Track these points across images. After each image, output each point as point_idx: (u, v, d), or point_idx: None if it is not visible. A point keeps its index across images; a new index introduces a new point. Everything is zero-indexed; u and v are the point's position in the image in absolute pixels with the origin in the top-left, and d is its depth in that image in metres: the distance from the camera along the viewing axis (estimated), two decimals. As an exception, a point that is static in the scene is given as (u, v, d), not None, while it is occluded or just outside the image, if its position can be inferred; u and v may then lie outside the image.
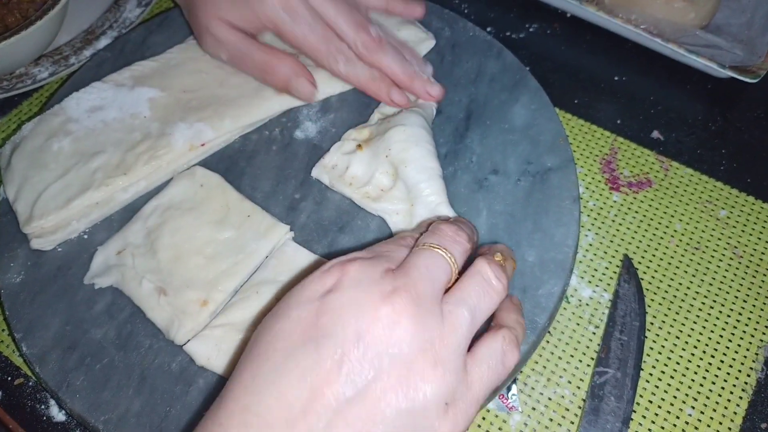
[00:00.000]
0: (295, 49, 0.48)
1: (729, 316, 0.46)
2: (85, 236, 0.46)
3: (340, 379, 0.25)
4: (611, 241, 0.49)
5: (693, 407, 0.43)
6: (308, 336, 0.26)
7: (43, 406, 0.44)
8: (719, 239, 0.49)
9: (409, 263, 0.29)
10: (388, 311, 0.26)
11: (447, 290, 0.30)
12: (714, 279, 0.48)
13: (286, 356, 0.26)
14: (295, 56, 0.48)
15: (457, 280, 0.31)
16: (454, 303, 0.28)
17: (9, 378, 0.45)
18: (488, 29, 0.62)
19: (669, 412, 0.42)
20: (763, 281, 0.47)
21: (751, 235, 0.50)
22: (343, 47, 0.46)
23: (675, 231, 0.50)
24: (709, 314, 0.46)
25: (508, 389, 0.43)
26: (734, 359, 0.44)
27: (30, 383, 0.45)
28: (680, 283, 0.47)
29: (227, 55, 0.49)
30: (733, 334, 0.45)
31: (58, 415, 0.43)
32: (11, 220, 0.46)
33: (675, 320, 0.46)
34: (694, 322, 0.46)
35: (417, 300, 0.27)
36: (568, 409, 0.42)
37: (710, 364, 0.44)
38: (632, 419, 0.42)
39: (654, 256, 0.49)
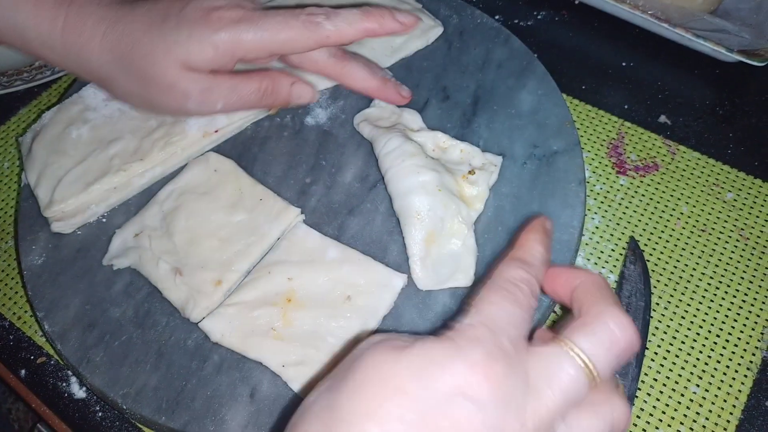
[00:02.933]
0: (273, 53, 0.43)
1: (735, 296, 0.46)
2: (104, 220, 0.47)
3: None
4: (618, 224, 0.50)
5: (698, 385, 0.43)
6: None
7: (64, 384, 0.45)
8: (726, 221, 0.50)
9: (542, 373, 0.25)
10: None
11: None
12: (720, 260, 0.48)
13: None
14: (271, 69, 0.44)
15: None
16: None
17: (32, 357, 0.47)
18: (497, 17, 0.63)
19: (674, 390, 0.43)
20: (769, 263, 0.48)
21: (757, 217, 0.50)
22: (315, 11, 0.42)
23: (681, 213, 0.50)
24: (715, 295, 0.47)
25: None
26: (739, 338, 0.45)
27: (52, 362, 0.47)
28: (686, 265, 0.48)
29: (198, 100, 0.41)
30: (738, 314, 0.46)
31: (79, 392, 0.45)
32: (32, 204, 0.48)
33: (681, 301, 0.46)
34: (700, 303, 0.46)
35: (542, 426, 0.25)
36: (573, 387, 0.43)
37: (715, 343, 0.45)
38: (637, 397, 0.43)
39: (660, 238, 0.49)
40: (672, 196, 0.51)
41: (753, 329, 0.45)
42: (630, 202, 0.51)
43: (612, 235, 0.49)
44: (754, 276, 0.47)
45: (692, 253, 0.48)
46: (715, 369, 0.44)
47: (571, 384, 0.25)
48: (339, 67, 0.44)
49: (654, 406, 0.42)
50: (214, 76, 0.40)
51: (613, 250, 0.49)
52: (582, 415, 0.26)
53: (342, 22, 0.40)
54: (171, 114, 0.45)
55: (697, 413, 0.42)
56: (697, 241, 0.49)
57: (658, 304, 0.46)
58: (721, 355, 0.44)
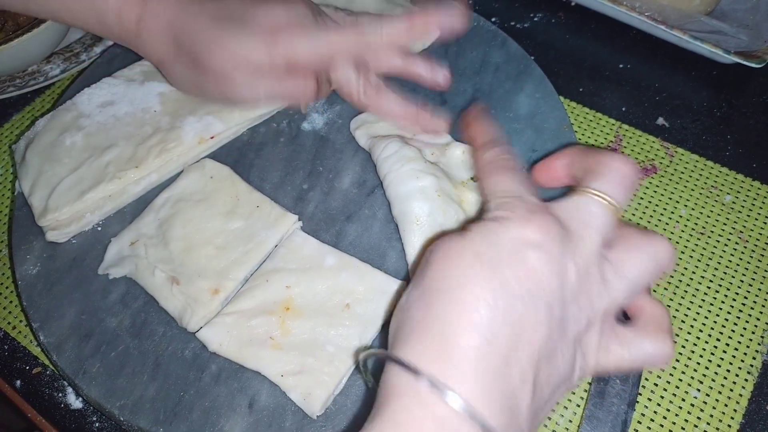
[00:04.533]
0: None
1: (734, 299, 0.46)
2: (99, 228, 0.47)
3: (543, 338, 0.27)
4: (616, 228, 0.50)
5: (698, 390, 0.43)
6: (522, 288, 0.27)
7: (60, 394, 0.45)
8: (724, 224, 0.50)
9: (576, 218, 0.30)
10: (576, 284, 0.28)
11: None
12: (720, 263, 0.48)
13: (500, 299, 0.27)
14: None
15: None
16: (619, 277, 0.29)
17: (27, 367, 0.46)
18: (493, 19, 0.62)
19: (674, 395, 0.43)
20: (768, 265, 0.48)
21: (756, 219, 0.50)
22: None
23: (680, 216, 0.50)
24: (715, 298, 0.46)
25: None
26: (740, 342, 0.45)
27: (47, 372, 0.46)
28: (686, 268, 0.48)
29: (244, 87, 0.45)
30: (738, 318, 0.46)
31: (76, 403, 0.45)
32: (27, 213, 0.47)
33: (681, 304, 0.46)
34: (700, 306, 0.46)
35: (591, 261, 0.29)
36: (573, 392, 0.43)
37: (716, 347, 0.45)
38: (638, 402, 0.42)
39: (659, 241, 0.49)
40: (670, 198, 0.51)
41: (753, 332, 0.45)
42: (629, 205, 0.51)
43: (611, 238, 0.49)
44: (753, 279, 0.47)
45: (691, 256, 0.48)
46: (716, 373, 0.44)
47: (600, 220, 0.29)
48: (374, 99, 0.47)
49: (655, 411, 0.42)
50: (262, 71, 0.44)
51: (612, 253, 0.48)
52: (625, 254, 0.30)
53: (386, 27, 0.43)
54: (218, 98, 0.48)
55: (698, 418, 0.42)
56: (696, 244, 0.49)
57: (658, 308, 0.46)
58: (722, 359, 0.44)
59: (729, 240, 0.49)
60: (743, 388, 0.43)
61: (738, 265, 0.48)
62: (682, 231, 0.49)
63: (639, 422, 0.42)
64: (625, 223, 0.32)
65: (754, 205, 0.50)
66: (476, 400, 0.25)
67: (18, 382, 0.46)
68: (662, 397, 0.43)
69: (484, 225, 0.29)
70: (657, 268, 0.30)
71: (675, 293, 0.47)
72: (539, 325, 0.27)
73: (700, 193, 0.51)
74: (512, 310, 0.26)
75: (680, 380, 0.43)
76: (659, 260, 0.30)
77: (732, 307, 0.46)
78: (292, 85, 0.46)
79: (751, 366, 0.44)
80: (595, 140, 0.54)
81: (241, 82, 0.44)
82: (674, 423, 0.42)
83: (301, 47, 0.43)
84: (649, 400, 0.43)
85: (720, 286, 0.47)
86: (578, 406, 0.42)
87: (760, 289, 0.47)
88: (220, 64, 0.44)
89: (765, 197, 0.51)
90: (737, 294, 0.47)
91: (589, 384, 0.43)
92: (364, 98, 0.47)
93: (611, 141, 0.54)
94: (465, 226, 0.30)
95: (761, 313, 0.46)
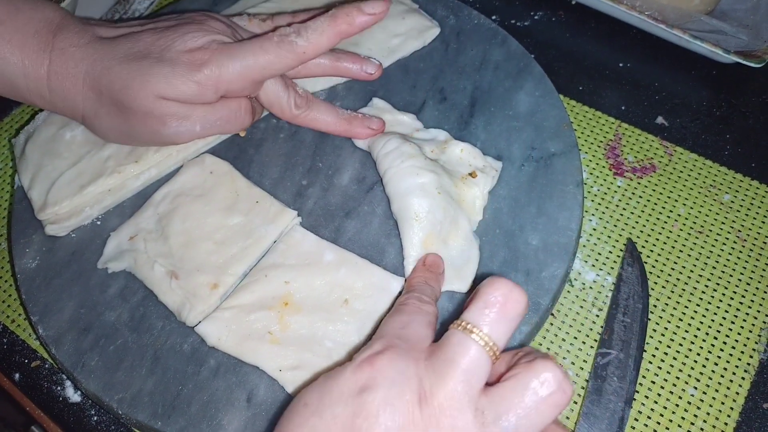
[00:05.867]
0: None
1: (732, 298, 0.46)
2: (98, 222, 0.47)
3: None
4: (615, 226, 0.50)
5: (696, 387, 0.43)
6: None
7: (59, 388, 0.45)
8: (723, 223, 0.50)
9: (442, 356, 0.28)
10: (420, 416, 0.26)
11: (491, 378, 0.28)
12: (717, 262, 0.48)
13: None
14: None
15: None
16: (497, 419, 0.26)
17: (26, 360, 0.47)
18: (493, 17, 0.63)
19: (672, 393, 0.43)
20: (766, 264, 0.48)
21: (754, 219, 0.50)
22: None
23: (679, 215, 0.50)
24: (713, 297, 0.47)
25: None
26: (737, 341, 0.45)
27: (46, 365, 0.46)
28: (684, 267, 0.48)
29: (175, 125, 0.42)
30: (736, 316, 0.46)
31: (74, 396, 0.45)
32: (26, 207, 0.47)
33: (678, 303, 0.46)
34: (698, 305, 0.46)
35: (451, 403, 0.26)
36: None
37: (713, 345, 0.45)
38: (635, 399, 0.42)
39: (658, 240, 0.49)
40: (669, 197, 0.51)
41: (750, 331, 0.45)
42: (627, 204, 0.51)
43: (609, 236, 0.49)
44: (751, 278, 0.47)
45: (690, 255, 0.48)
46: (713, 371, 0.44)
47: (467, 357, 0.27)
48: (303, 117, 0.46)
49: (652, 409, 0.42)
50: (192, 102, 0.42)
51: (610, 252, 0.49)
52: (503, 393, 0.27)
53: (313, 34, 0.42)
54: (151, 144, 0.46)
55: (695, 415, 0.42)
56: (695, 243, 0.49)
57: (655, 306, 0.46)
58: (719, 357, 0.44)
59: (727, 239, 0.49)
60: (740, 386, 0.43)
61: (736, 264, 0.48)
62: (681, 230, 0.49)
63: (636, 419, 0.42)
64: (519, 352, 0.29)
65: (752, 204, 0.51)
66: None
67: (17, 375, 0.46)
68: (659, 395, 0.43)
69: (334, 371, 0.29)
70: (545, 404, 0.26)
71: (673, 291, 0.47)
72: None
73: (699, 192, 0.51)
74: None
75: (677, 378, 0.43)
76: (545, 394, 0.26)
77: (729, 305, 0.46)
78: (226, 111, 0.43)
79: (748, 364, 0.44)
80: (595, 138, 0.54)
81: (172, 118, 0.42)
82: (671, 420, 0.42)
83: (229, 71, 0.40)
84: (646, 397, 0.43)
85: (718, 284, 0.47)
86: (575, 403, 0.42)
87: (757, 288, 0.47)
88: (146, 104, 0.40)
89: (764, 196, 0.51)
90: (735, 293, 0.47)
91: (587, 381, 0.43)
92: (296, 111, 0.45)
93: (610, 139, 0.54)
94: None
95: (758, 311, 0.46)
